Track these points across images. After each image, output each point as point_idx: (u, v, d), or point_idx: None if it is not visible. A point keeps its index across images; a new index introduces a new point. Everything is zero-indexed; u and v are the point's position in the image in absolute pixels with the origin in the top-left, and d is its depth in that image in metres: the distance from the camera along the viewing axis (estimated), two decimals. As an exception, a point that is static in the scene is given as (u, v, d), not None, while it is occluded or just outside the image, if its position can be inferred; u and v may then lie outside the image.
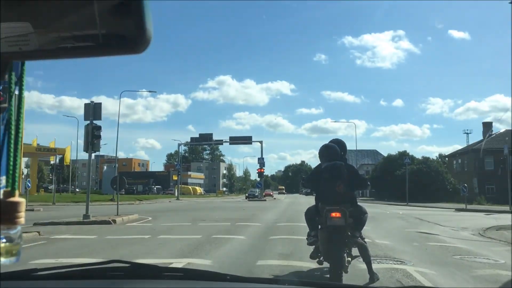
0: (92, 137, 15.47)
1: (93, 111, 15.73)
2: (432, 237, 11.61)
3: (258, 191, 60.86)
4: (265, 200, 46.14)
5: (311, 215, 6.17)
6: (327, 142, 6.30)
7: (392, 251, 8.71)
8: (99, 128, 15.62)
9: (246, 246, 9.07)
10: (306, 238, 6.30)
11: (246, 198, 56.36)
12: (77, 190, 72.10)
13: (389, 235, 11.78)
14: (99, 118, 15.83)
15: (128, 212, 19.68)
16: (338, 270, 5.44)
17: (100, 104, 15.94)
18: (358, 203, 6.12)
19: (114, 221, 14.94)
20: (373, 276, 5.55)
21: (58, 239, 10.49)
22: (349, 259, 5.76)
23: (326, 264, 5.78)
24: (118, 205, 18.13)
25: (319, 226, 5.85)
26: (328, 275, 5.72)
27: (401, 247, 9.40)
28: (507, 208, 30.23)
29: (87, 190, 16.37)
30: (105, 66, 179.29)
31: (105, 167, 68.48)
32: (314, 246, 6.11)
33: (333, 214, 5.53)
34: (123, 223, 15.06)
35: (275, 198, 59.04)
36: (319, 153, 6.16)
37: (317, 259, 6.01)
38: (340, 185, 5.73)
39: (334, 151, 6.04)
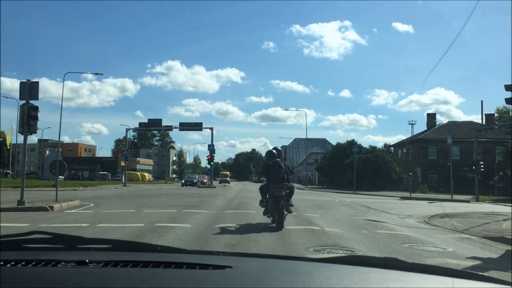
0: (28, 118, 14.37)
1: (29, 90, 14.60)
2: (380, 225, 11.59)
3: (196, 177, 55.87)
4: (214, 187, 45.58)
5: (264, 189, 10.80)
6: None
7: (342, 239, 8.51)
8: (35, 108, 14.50)
9: (191, 235, 8.58)
10: (259, 204, 11.04)
11: (182, 186, 49.37)
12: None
13: (338, 223, 11.66)
14: (36, 98, 14.70)
15: (70, 198, 18.71)
16: (280, 221, 9.70)
17: (37, 83, 14.79)
18: (291, 184, 11.14)
19: (52, 207, 14.00)
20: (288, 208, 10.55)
21: (-15, 227, 9.58)
22: (286, 213, 10.35)
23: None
24: (57, 191, 17.19)
25: (267, 195, 10.45)
26: (273, 225, 9.88)
27: (350, 235, 9.23)
28: (448, 196, 31.36)
29: (21, 173, 15.24)
30: (47, 46, 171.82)
31: (47, 152, 65.30)
32: (265, 209, 10.65)
33: (278, 189, 10.06)
34: (61, 210, 14.15)
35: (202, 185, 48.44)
36: (266, 154, 11.29)
37: (267, 215, 10.51)
38: (282, 172, 10.43)
39: (276, 153, 10.91)
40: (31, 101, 14.58)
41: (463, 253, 7.41)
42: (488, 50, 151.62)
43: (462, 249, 7.86)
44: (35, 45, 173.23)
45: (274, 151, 10.96)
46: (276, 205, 9.76)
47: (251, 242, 7.56)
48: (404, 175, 51.01)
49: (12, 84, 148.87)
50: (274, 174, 10.34)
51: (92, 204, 16.64)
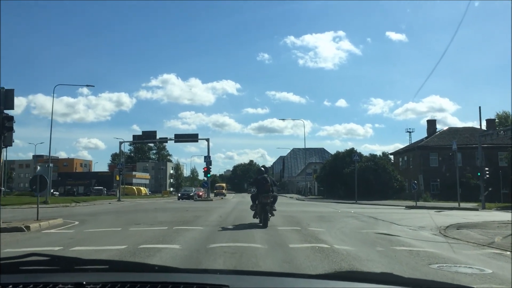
0: (3, 129, 13.09)
1: (4, 99, 13.34)
2: (395, 239, 10.29)
3: (193, 190, 54.92)
4: (211, 200, 44.16)
5: (254, 197, 14.20)
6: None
7: (357, 260, 7.19)
8: (10, 118, 13.23)
9: (178, 259, 7.24)
10: (250, 208, 14.40)
11: (178, 199, 48.04)
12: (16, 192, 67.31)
13: (348, 238, 10.36)
14: (11, 107, 13.44)
15: (56, 215, 17.44)
16: (266, 221, 12.80)
17: (12, 90, 13.48)
18: (276, 194, 14.80)
19: (28, 227, 12.64)
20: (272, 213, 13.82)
21: None
22: (270, 216, 13.37)
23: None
24: (38, 208, 15.78)
25: (256, 202, 13.72)
26: (261, 224, 12.83)
27: (366, 254, 7.90)
28: (455, 204, 30.09)
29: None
30: (43, 62, 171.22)
31: (38, 167, 63.80)
32: (254, 212, 13.96)
33: (265, 197, 13.27)
34: (39, 230, 12.80)
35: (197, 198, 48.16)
36: (257, 171, 15.47)
37: (256, 217, 13.62)
38: (267, 185, 13.55)
39: (264, 170, 14.57)
40: (6, 111, 13.33)
41: (506, 276, 6.13)
42: (483, 57, 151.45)
43: (502, 270, 6.58)
44: (30, 61, 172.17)
45: (262, 168, 14.86)
46: (263, 210, 13.07)
47: (250, 267, 6.27)
48: (406, 183, 49.84)
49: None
50: (262, 186, 13.61)
51: (76, 222, 15.29)
